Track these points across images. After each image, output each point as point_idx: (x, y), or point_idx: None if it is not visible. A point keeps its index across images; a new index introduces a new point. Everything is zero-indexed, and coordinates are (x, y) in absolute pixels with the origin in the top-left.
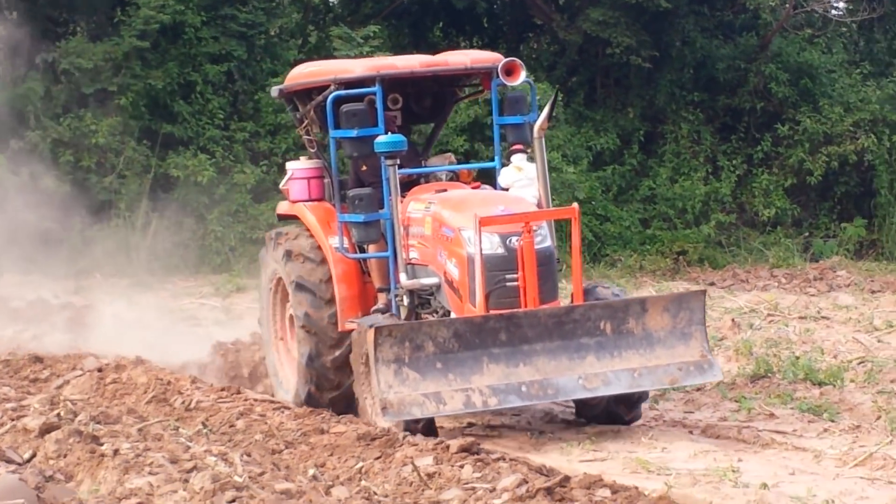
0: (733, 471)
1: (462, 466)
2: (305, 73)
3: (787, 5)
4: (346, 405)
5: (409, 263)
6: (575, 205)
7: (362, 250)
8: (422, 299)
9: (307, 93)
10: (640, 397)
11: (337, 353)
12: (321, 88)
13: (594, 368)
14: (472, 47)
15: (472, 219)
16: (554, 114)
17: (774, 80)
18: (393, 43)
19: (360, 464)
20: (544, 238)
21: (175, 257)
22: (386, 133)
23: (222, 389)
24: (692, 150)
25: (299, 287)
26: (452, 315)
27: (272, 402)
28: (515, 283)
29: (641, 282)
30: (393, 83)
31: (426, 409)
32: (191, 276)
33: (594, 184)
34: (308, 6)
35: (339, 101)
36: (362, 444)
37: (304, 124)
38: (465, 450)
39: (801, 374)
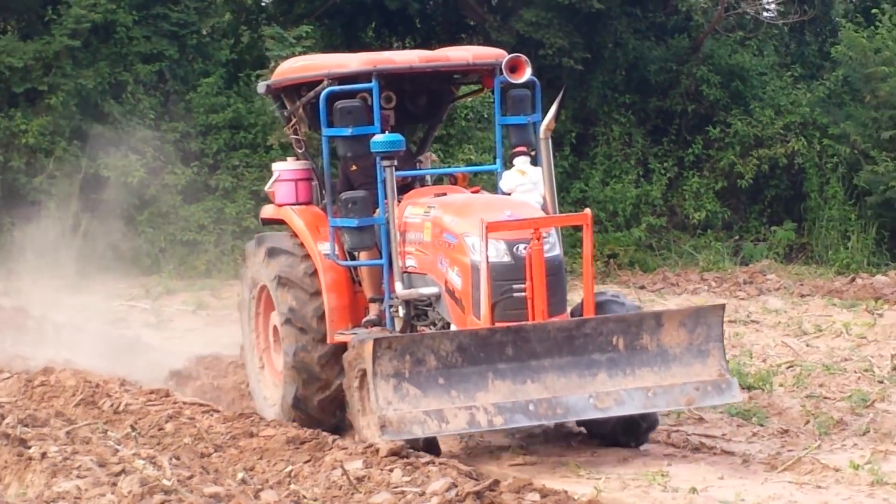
0: (662, 475)
1: (392, 470)
2: (296, 67)
3: (719, 7)
4: (337, 408)
5: (405, 272)
6: (587, 210)
7: (353, 257)
8: (418, 310)
9: (296, 89)
10: (652, 418)
11: (324, 350)
12: (312, 84)
13: (606, 387)
14: (404, 48)
15: (476, 224)
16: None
17: (706, 82)
18: (325, 43)
19: (290, 467)
20: (553, 246)
21: (105, 258)
22: (382, 132)
23: (151, 392)
24: (623, 153)
25: (282, 284)
26: (453, 327)
27: (201, 405)
28: (523, 294)
29: (571, 285)
30: (387, 80)
31: (427, 428)
32: (121, 277)
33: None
34: (241, 6)
35: (331, 98)
36: (291, 448)
37: (291, 123)
38: (395, 454)
39: (734, 374)
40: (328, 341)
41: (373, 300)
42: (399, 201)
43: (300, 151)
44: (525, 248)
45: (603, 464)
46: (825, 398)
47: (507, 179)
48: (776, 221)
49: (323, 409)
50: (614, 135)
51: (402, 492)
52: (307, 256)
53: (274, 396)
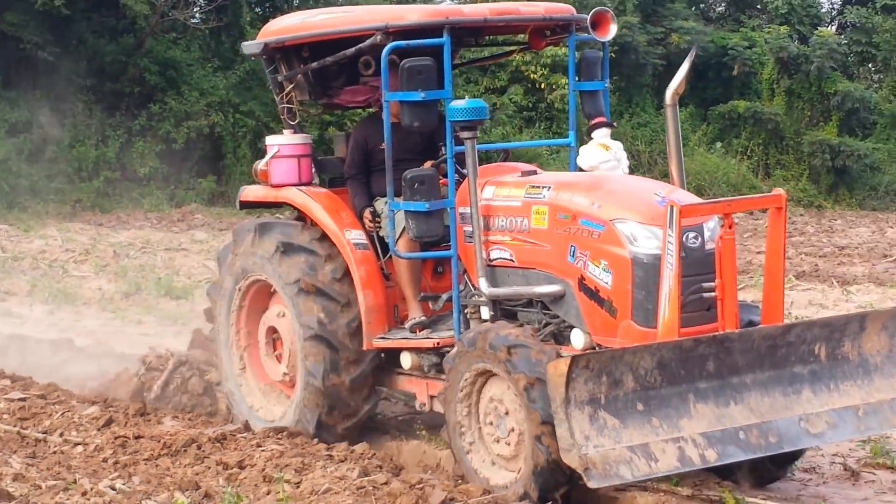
0: None
1: None
2: (314, 22)
3: (156, 15)
4: (357, 434)
5: (489, 265)
6: (779, 190)
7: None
8: (505, 310)
9: (296, 50)
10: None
11: (356, 372)
12: (320, 45)
13: (813, 407)
14: None
15: (632, 208)
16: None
17: (148, 70)
18: None
19: None
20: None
21: None
22: (457, 97)
23: None
24: (86, 123)
25: (306, 291)
26: (577, 332)
27: None
28: (713, 294)
29: (46, 223)
30: (395, 38)
31: (636, 469)
32: None
33: (10, 148)
34: None
35: (345, 61)
36: None
37: (286, 90)
38: None
39: (163, 290)
40: (364, 347)
41: (426, 298)
42: (460, 181)
43: (293, 123)
44: (696, 239)
45: None
46: None
47: (586, 155)
48: (202, 175)
49: (343, 437)
50: (79, 110)
51: None
52: (331, 256)
53: (271, 410)
